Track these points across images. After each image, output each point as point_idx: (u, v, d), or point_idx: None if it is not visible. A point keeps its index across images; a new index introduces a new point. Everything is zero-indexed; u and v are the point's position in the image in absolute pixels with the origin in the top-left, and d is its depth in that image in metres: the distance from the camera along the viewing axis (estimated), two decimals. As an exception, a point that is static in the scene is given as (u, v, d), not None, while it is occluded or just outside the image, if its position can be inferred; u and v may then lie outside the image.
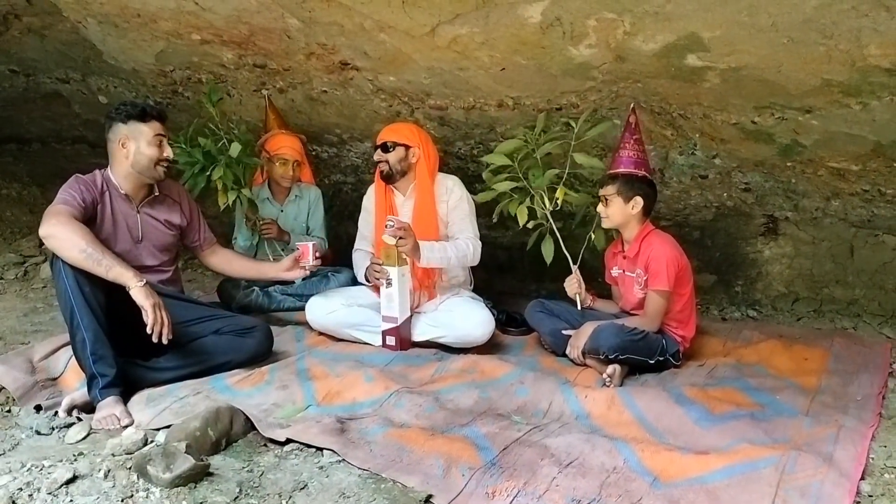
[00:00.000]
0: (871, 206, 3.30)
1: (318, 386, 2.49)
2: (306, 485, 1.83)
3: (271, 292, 3.48)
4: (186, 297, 2.83)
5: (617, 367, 2.64)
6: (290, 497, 1.77)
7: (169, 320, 2.30)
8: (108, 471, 1.83)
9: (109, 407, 2.23)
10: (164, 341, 2.29)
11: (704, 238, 3.91)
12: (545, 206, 2.96)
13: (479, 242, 3.09)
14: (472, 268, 3.27)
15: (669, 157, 3.40)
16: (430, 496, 1.78)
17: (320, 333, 3.12)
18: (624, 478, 1.88)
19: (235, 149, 3.20)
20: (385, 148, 3.06)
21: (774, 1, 2.13)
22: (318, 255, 2.96)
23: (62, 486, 1.76)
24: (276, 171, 3.60)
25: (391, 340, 2.96)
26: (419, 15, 2.61)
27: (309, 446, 2.03)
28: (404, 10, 2.59)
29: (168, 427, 2.11)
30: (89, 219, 2.48)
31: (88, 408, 2.28)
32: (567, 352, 2.86)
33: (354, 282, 3.32)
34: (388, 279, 2.90)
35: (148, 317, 2.25)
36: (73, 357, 2.38)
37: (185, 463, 1.77)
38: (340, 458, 1.95)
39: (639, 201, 2.83)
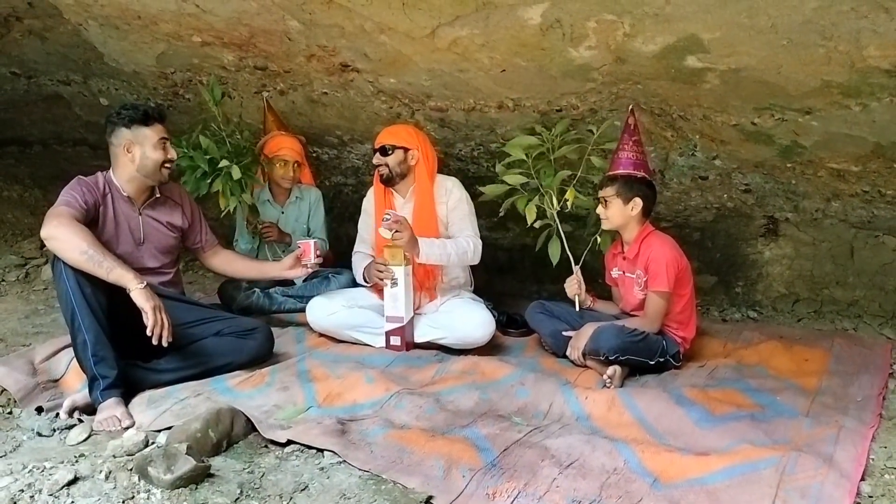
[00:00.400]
0: (871, 207, 3.30)
1: (319, 387, 2.49)
2: (307, 486, 1.84)
3: (272, 294, 3.49)
4: (187, 299, 2.83)
5: (617, 368, 2.64)
6: (291, 498, 1.78)
7: (169, 322, 2.30)
8: (110, 472, 1.84)
9: (110, 408, 2.23)
10: (164, 344, 2.29)
11: (705, 239, 3.91)
12: (553, 205, 2.96)
13: (480, 241, 3.10)
14: (472, 269, 3.27)
15: (669, 159, 3.41)
16: (430, 497, 1.78)
17: (321, 335, 3.12)
18: (624, 479, 1.89)
19: (237, 172, 3.19)
20: (384, 151, 3.06)
21: (774, 2, 2.14)
22: (319, 253, 2.96)
23: (63, 487, 1.76)
24: (276, 173, 3.60)
25: (396, 340, 2.96)
26: (419, 17, 2.61)
27: (310, 447, 2.03)
28: (404, 12, 2.60)
29: (169, 428, 2.11)
30: (91, 221, 2.48)
31: (89, 409, 2.29)
32: (567, 353, 2.86)
33: (355, 283, 3.32)
34: (393, 279, 2.90)
35: (148, 319, 2.25)
36: (75, 359, 2.38)
37: (186, 464, 1.77)
38: (341, 460, 1.96)
39: (638, 202, 2.84)
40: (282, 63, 3.36)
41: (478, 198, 3.18)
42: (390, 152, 3.05)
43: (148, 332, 2.26)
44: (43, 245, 2.43)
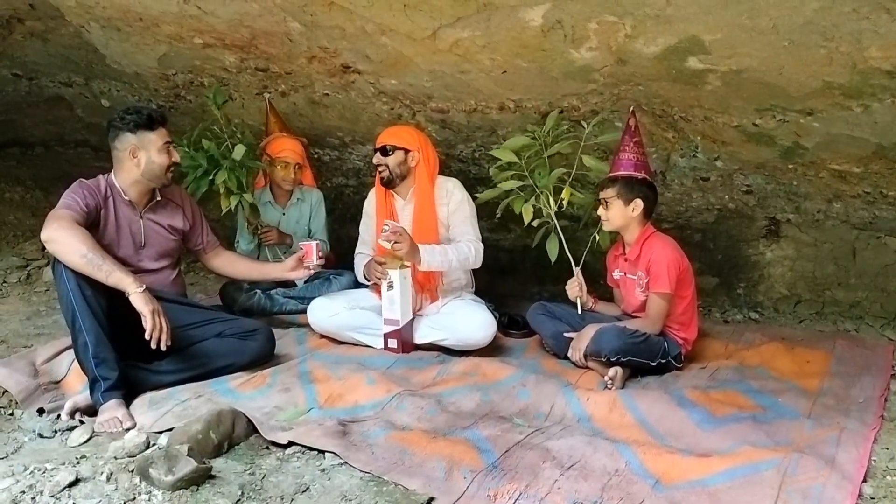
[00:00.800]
0: (872, 208, 3.30)
1: (320, 389, 2.49)
2: (308, 487, 1.84)
3: (273, 295, 3.49)
4: (188, 301, 2.84)
5: (619, 369, 2.64)
6: (292, 500, 1.78)
7: (168, 326, 2.30)
8: (111, 474, 1.84)
9: (112, 410, 2.24)
10: (163, 347, 2.29)
11: (706, 240, 3.90)
12: (550, 205, 2.96)
13: (481, 245, 3.09)
14: (473, 270, 3.26)
15: (671, 160, 3.41)
16: (431, 499, 1.78)
17: (322, 336, 3.12)
18: (626, 480, 1.88)
19: (240, 151, 3.21)
20: (384, 151, 3.06)
21: (775, 4, 2.14)
22: (321, 255, 2.96)
23: (65, 489, 1.77)
24: (277, 174, 3.60)
25: (393, 343, 2.96)
26: (420, 18, 2.61)
27: (311, 449, 2.03)
28: (406, 14, 2.60)
29: (170, 430, 2.11)
30: (92, 224, 2.48)
31: (91, 411, 2.29)
32: (569, 354, 2.86)
33: (356, 285, 3.32)
34: (389, 281, 2.90)
35: (147, 323, 2.26)
36: (76, 360, 2.38)
37: (187, 466, 1.77)
38: (342, 461, 1.96)
39: (639, 204, 2.83)
40: (283, 65, 3.36)
41: (476, 199, 3.18)
42: (390, 153, 3.05)
43: (147, 336, 2.26)
44: (44, 247, 2.43)
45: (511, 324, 3.38)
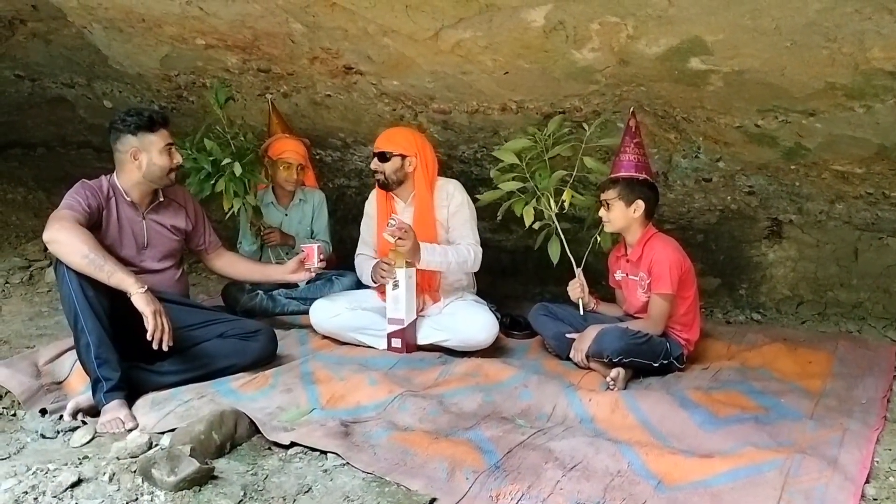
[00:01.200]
0: (875, 209, 3.29)
1: (323, 389, 2.49)
2: (310, 488, 1.84)
3: (275, 296, 3.49)
4: (190, 302, 2.84)
5: (621, 370, 2.64)
6: (295, 500, 1.78)
7: (170, 327, 2.31)
8: (113, 474, 1.84)
9: (114, 410, 2.24)
10: (165, 348, 2.29)
11: (708, 241, 3.90)
12: (551, 207, 2.96)
13: (480, 249, 3.09)
14: (475, 271, 3.27)
15: (673, 161, 3.40)
16: (433, 499, 1.78)
17: (324, 337, 3.12)
18: (628, 481, 1.88)
19: (238, 168, 3.20)
20: (382, 157, 3.05)
21: (777, 4, 2.13)
22: (322, 257, 2.96)
23: (67, 489, 1.77)
24: (279, 175, 3.60)
25: (397, 343, 2.96)
26: (423, 19, 2.61)
27: (313, 450, 2.03)
28: (408, 15, 2.60)
29: (172, 430, 2.11)
30: (94, 224, 2.48)
31: (93, 411, 2.29)
32: (571, 355, 2.86)
33: (358, 285, 3.33)
34: (395, 281, 2.90)
35: (148, 324, 2.26)
36: (78, 361, 2.39)
37: (190, 466, 1.77)
38: (344, 462, 1.96)
39: (640, 205, 2.83)
40: (285, 65, 3.36)
41: (477, 201, 3.18)
42: (388, 159, 3.04)
43: (148, 337, 2.26)
44: (47, 248, 2.44)
45: (513, 325, 3.38)
